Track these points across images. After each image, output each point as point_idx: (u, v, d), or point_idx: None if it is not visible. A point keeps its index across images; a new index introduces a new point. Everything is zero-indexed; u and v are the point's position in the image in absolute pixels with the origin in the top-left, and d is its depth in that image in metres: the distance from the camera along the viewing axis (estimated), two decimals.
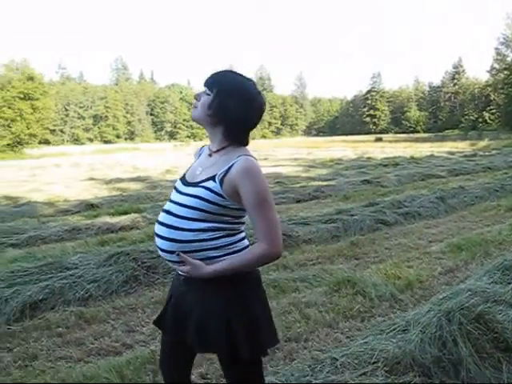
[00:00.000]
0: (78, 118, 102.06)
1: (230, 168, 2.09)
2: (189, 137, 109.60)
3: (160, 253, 2.26)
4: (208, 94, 2.19)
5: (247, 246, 2.22)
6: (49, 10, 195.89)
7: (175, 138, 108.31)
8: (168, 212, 2.20)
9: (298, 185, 15.09)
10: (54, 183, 18.44)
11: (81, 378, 3.64)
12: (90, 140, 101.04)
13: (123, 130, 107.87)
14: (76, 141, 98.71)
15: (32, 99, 56.91)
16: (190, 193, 2.15)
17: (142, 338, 4.43)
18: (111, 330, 4.62)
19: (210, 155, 2.26)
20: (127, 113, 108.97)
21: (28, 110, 55.99)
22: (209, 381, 3.65)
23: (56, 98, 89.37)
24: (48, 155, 50.97)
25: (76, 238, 8.54)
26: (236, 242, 2.19)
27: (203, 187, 2.12)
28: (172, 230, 2.15)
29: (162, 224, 2.21)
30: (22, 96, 56.17)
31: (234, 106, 2.14)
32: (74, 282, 5.26)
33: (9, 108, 55.03)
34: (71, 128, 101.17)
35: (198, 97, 2.24)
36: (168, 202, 2.26)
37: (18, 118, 55.19)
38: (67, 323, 4.72)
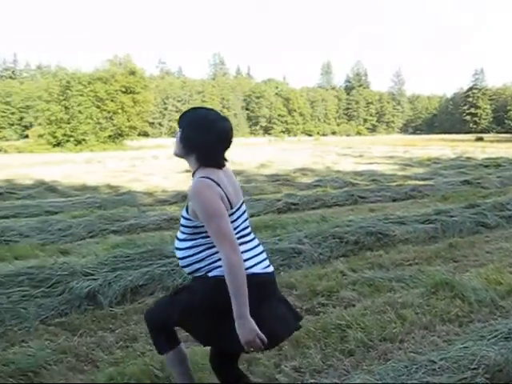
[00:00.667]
0: (176, 112, 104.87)
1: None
2: (283, 132, 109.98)
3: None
4: (179, 132, 2.62)
5: None
6: (151, 7, 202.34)
7: (270, 133, 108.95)
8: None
9: (394, 183, 14.79)
10: (152, 174, 19.08)
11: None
12: None
13: None
14: (173, 134, 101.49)
15: (133, 93, 59.04)
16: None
17: None
18: None
19: None
20: (223, 107, 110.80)
21: (129, 103, 58.13)
22: (302, 375, 3.66)
23: (155, 92, 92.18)
24: (146, 147, 52.76)
25: (173, 227, 8.77)
26: (215, 253, 2.52)
27: (182, 215, 2.63)
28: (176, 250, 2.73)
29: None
30: (123, 90, 58.40)
31: (196, 137, 2.54)
32: (172, 270, 5.41)
33: (111, 101, 57.36)
34: (169, 121, 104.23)
35: (177, 135, 2.66)
36: None
37: (120, 111, 57.44)
38: None
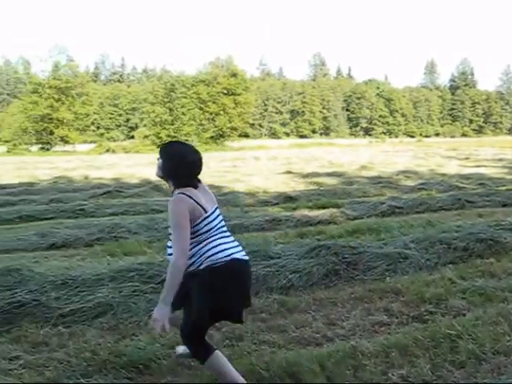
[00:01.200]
0: (276, 113, 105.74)
1: None
2: (384, 133, 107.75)
3: None
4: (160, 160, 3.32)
5: (219, 248, 3.20)
6: (253, 9, 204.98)
7: (370, 134, 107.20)
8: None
9: (504, 188, 14.09)
10: (253, 175, 19.29)
11: (284, 363, 3.73)
12: (287, 134, 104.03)
13: (319, 125, 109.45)
14: (273, 135, 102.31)
15: (235, 94, 60.13)
16: None
17: (342, 333, 4.43)
18: (312, 320, 4.68)
19: None
20: (323, 108, 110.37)
21: (231, 105, 59.27)
22: None
23: (256, 94, 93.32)
24: (247, 148, 53.49)
25: (276, 228, 8.82)
26: (203, 249, 3.17)
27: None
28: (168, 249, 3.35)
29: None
30: (225, 91, 59.67)
31: (171, 168, 3.27)
32: (276, 271, 5.42)
33: (213, 103, 58.75)
34: (269, 122, 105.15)
35: (158, 162, 3.34)
36: None
37: (222, 113, 58.71)
38: (270, 309, 4.88)
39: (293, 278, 5.37)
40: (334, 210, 10.16)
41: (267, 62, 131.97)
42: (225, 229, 3.35)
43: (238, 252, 3.30)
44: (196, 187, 3.27)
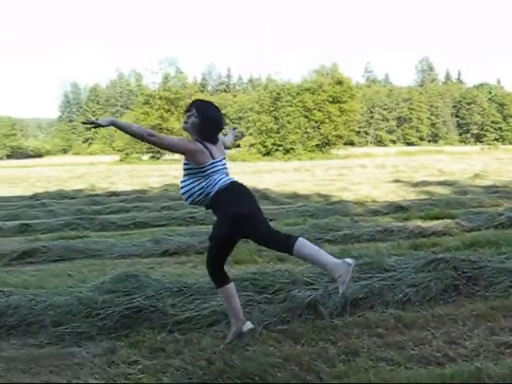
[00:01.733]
0: (382, 120, 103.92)
1: None
2: (497, 140, 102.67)
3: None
4: (191, 115, 4.02)
5: (221, 178, 4.07)
6: (356, 14, 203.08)
7: (482, 141, 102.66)
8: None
9: None
10: (360, 183, 19.00)
11: (404, 382, 3.56)
12: (393, 142, 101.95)
13: (427, 132, 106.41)
14: (379, 142, 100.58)
15: (340, 102, 59.63)
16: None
17: (464, 353, 4.16)
18: (431, 338, 4.44)
19: None
20: (431, 114, 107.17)
21: (336, 113, 58.82)
22: None
23: (362, 101, 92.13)
24: (352, 156, 52.94)
25: (388, 239, 8.56)
26: (209, 182, 4.02)
27: (183, 163, 4.12)
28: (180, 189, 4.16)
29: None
30: (331, 99, 59.28)
31: (200, 127, 4.02)
32: (392, 285, 5.22)
33: (319, 111, 58.55)
34: (375, 130, 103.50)
35: (188, 116, 4.06)
36: None
37: (327, 120, 58.39)
38: (386, 325, 4.69)
39: (409, 292, 5.14)
40: (449, 220, 9.71)
41: (373, 69, 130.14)
42: (227, 171, 4.23)
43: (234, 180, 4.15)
44: (215, 143, 4.13)
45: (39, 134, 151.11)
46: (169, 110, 59.28)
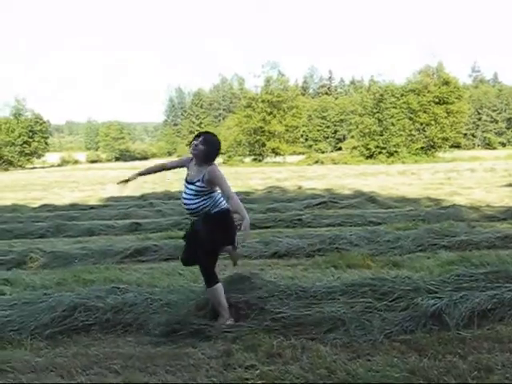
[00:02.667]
0: (491, 122, 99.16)
1: (205, 173, 4.66)
2: None
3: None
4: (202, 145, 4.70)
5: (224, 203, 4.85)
6: (452, 13, 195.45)
7: None
8: (184, 198, 4.82)
9: None
10: (471, 188, 18.16)
11: None
12: (503, 145, 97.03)
13: None
14: (487, 145, 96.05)
15: (447, 103, 57.47)
16: (191, 187, 4.73)
17: None
18: None
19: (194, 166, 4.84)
20: None
21: (442, 114, 56.73)
22: None
23: (469, 102, 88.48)
24: (459, 159, 50.88)
25: (509, 246, 8.02)
26: (214, 200, 4.77)
27: (196, 184, 4.70)
28: (188, 204, 4.79)
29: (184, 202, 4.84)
30: (437, 100, 57.25)
31: (209, 153, 4.71)
32: None
33: (424, 112, 56.71)
34: (483, 132, 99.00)
35: (196, 145, 4.70)
36: (183, 193, 4.87)
37: (433, 122, 56.45)
38: None
39: None
40: None
41: (480, 68, 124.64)
42: None
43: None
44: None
45: (146, 137, 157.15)
46: (271, 113, 59.57)
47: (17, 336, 4.42)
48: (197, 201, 4.68)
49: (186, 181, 4.83)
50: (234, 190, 15.20)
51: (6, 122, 78.91)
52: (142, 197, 20.68)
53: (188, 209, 4.79)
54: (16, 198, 22.82)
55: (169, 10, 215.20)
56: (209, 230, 4.68)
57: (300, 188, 21.63)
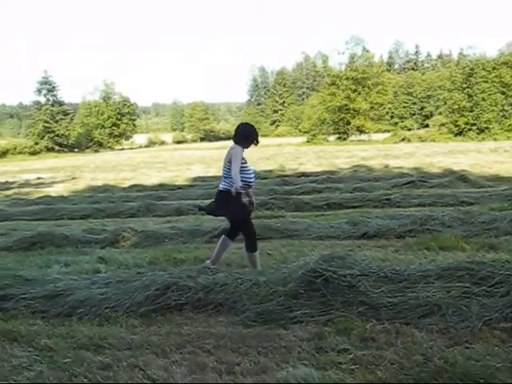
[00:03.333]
0: None
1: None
2: None
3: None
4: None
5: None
6: None
7: None
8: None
9: None
10: None
11: None
12: None
13: None
14: None
15: None
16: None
17: None
18: None
19: None
20: None
21: None
22: None
23: None
24: None
25: None
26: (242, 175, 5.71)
27: (226, 164, 5.86)
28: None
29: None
30: None
31: (241, 138, 5.93)
32: None
33: None
34: None
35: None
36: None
37: None
38: None
39: None
40: None
41: None
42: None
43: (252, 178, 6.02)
44: (247, 148, 5.95)
45: (229, 117, 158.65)
46: (355, 90, 58.56)
47: (113, 313, 4.55)
48: (227, 180, 5.79)
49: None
50: (319, 169, 15.26)
51: (96, 105, 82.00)
52: None
53: (222, 187, 5.87)
54: (106, 178, 23.70)
55: None
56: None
57: (387, 167, 21.16)
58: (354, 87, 58.48)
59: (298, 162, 28.03)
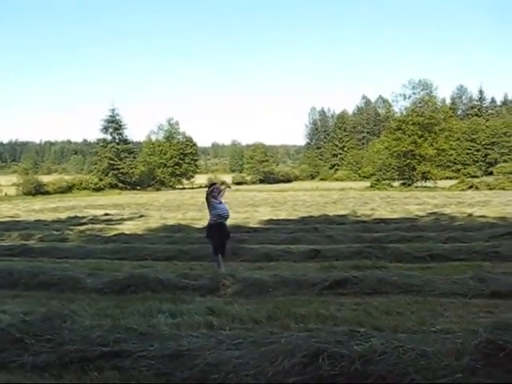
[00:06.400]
0: None
1: None
2: None
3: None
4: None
5: None
6: None
7: None
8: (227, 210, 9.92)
9: None
10: None
11: None
12: None
13: None
14: None
15: None
16: None
17: None
18: None
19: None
20: None
21: None
22: None
23: None
24: None
25: None
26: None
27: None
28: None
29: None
30: None
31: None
32: None
33: None
34: None
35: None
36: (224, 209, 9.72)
37: None
38: None
39: None
40: None
41: None
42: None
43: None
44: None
45: (287, 159, 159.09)
46: (422, 136, 57.40)
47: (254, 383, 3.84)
48: None
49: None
50: (394, 215, 14.56)
51: (160, 144, 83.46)
52: (302, 220, 20.25)
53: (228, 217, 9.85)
54: (176, 217, 23.41)
55: (311, 32, 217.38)
56: None
57: (471, 215, 20.06)
58: (420, 132, 57.38)
59: (369, 208, 27.20)
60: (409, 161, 57.56)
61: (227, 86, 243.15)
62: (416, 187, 54.86)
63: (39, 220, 25.12)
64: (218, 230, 9.46)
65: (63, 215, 28.43)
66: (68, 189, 66.07)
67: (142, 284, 7.77)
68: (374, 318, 5.52)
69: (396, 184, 58.70)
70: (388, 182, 58.78)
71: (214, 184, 10.08)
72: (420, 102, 59.81)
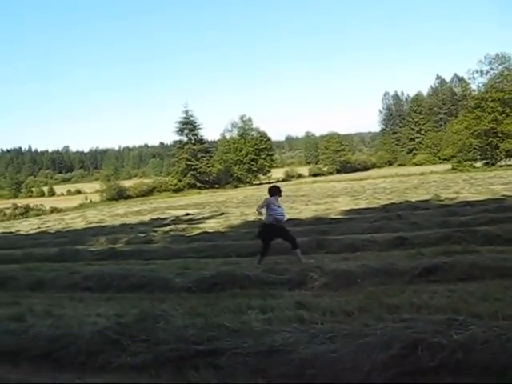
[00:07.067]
0: None
1: None
2: None
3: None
4: None
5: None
6: None
7: None
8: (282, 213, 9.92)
9: None
10: None
11: None
12: None
13: None
14: None
15: None
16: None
17: None
18: None
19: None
20: None
21: None
22: None
23: None
24: None
25: None
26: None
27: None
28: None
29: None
30: None
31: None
32: None
33: None
34: None
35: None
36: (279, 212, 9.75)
37: None
38: None
39: None
40: None
41: None
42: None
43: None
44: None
45: (363, 147, 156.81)
46: (503, 112, 54.95)
47: (351, 376, 3.75)
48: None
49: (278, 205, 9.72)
50: (480, 197, 14.03)
51: (235, 142, 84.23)
52: (384, 208, 19.88)
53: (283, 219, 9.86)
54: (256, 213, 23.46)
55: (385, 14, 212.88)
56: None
57: None
58: (501, 109, 54.97)
59: (453, 191, 26.41)
60: (491, 139, 55.25)
61: (297, 79, 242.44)
62: (500, 166, 52.61)
63: (124, 224, 25.96)
64: (272, 230, 9.61)
65: (146, 217, 29.26)
66: (149, 192, 68.05)
67: (229, 281, 7.81)
68: (471, 304, 5.28)
69: (479, 164, 56.57)
70: (470, 162, 56.62)
71: (277, 187, 10.06)
72: (499, 77, 57.22)
